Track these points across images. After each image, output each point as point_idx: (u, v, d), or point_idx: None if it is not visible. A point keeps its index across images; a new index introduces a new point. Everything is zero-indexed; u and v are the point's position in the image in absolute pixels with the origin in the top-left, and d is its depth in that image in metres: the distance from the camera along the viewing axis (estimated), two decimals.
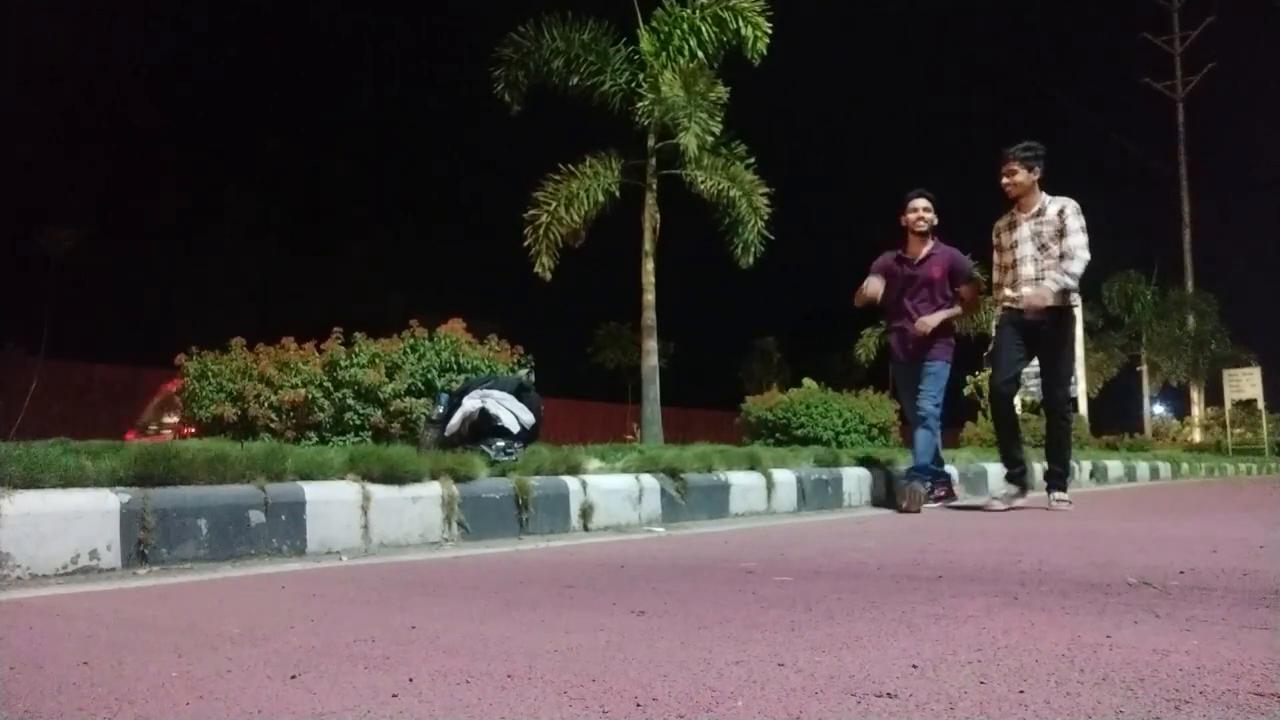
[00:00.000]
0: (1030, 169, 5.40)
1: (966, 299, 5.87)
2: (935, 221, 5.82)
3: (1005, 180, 5.45)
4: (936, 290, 5.77)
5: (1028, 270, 5.39)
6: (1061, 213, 5.33)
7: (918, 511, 5.34)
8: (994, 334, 5.73)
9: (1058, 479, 5.60)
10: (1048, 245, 5.36)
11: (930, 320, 5.73)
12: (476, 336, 6.89)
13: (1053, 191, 5.47)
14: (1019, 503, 5.47)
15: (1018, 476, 5.60)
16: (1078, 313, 5.47)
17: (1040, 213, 5.40)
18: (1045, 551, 3.15)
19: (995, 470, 8.20)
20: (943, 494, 5.98)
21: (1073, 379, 5.83)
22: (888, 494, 6.08)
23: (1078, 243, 5.28)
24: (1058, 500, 5.47)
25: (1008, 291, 5.52)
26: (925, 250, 5.79)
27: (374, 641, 1.68)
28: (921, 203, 5.79)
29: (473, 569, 2.94)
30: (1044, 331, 5.42)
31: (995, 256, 5.68)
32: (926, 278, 5.76)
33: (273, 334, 7.06)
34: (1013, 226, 5.51)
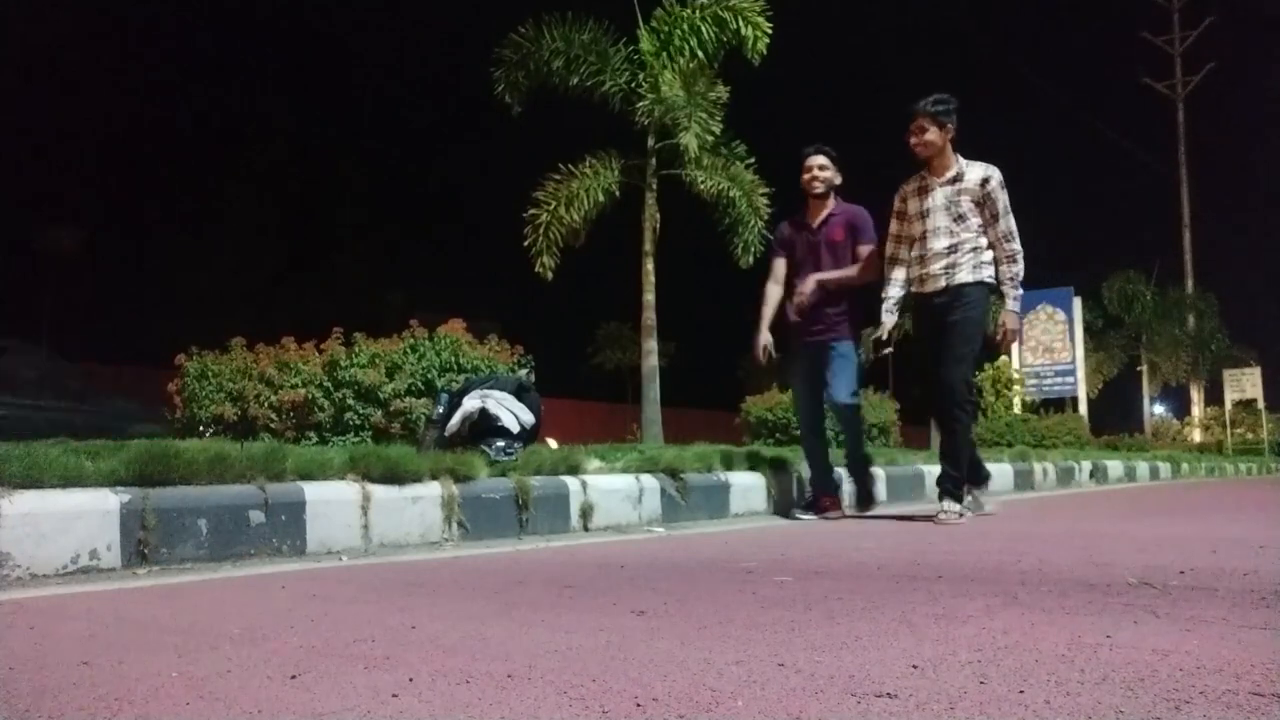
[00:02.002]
0: (942, 126, 4.61)
1: (864, 261, 4.96)
2: (836, 181, 5.06)
3: (914, 140, 4.66)
4: (841, 255, 4.97)
5: (940, 243, 4.63)
6: (985, 183, 4.59)
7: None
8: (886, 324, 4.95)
9: (950, 484, 4.69)
10: (965, 217, 4.60)
11: (808, 283, 4.92)
12: (476, 336, 6.89)
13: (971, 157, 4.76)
14: (959, 517, 4.58)
15: (953, 488, 4.70)
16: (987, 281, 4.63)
17: (957, 178, 4.63)
18: (1045, 551, 3.15)
19: (996, 471, 8.20)
20: (827, 504, 5.09)
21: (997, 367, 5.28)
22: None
23: (1011, 227, 4.59)
24: (946, 512, 4.55)
25: (913, 269, 4.78)
26: (825, 213, 5.04)
27: (374, 641, 1.68)
28: (817, 160, 5.03)
29: (473, 569, 2.94)
30: (943, 307, 4.63)
31: (895, 225, 4.87)
32: (828, 242, 4.99)
33: (273, 334, 7.07)
34: (923, 192, 4.72)
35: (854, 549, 3.35)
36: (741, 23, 10.61)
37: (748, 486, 5.28)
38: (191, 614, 2.07)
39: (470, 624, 1.87)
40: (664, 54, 10.85)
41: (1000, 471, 8.32)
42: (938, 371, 4.59)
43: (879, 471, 6.45)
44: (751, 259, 11.39)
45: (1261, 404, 24.14)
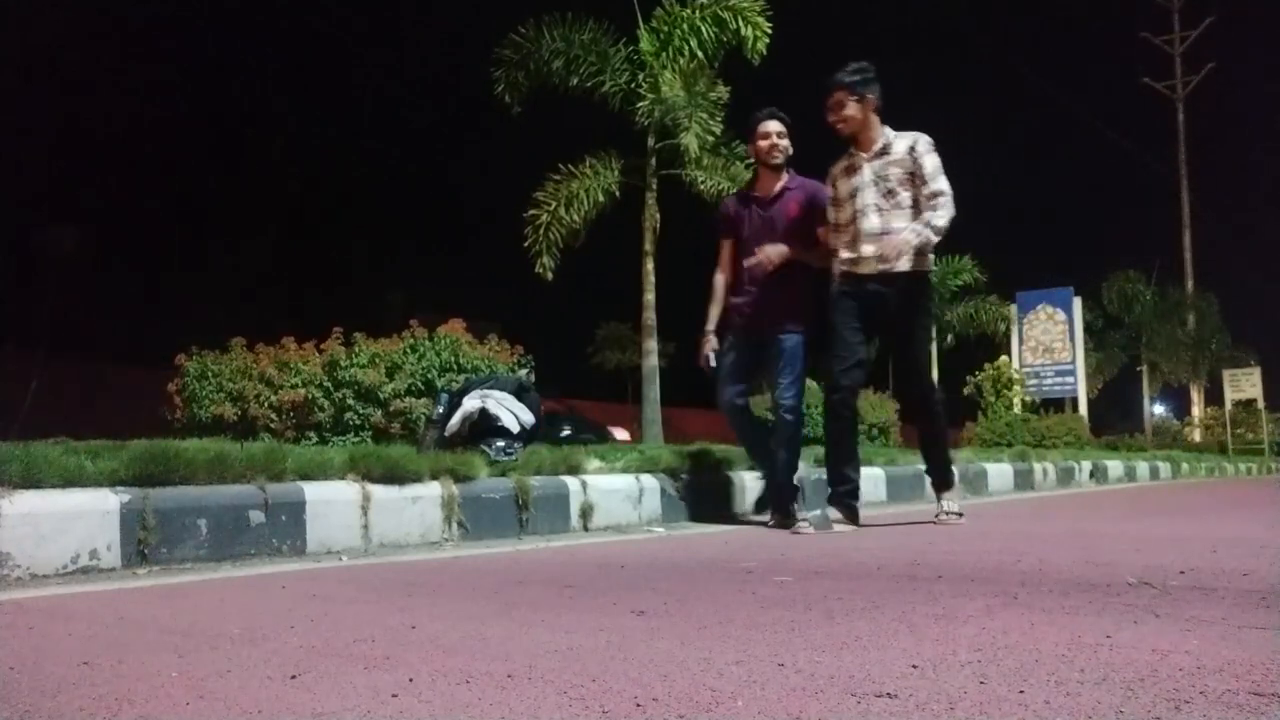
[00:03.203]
0: (861, 98, 4.21)
1: (821, 241, 4.46)
2: (791, 151, 4.55)
3: (833, 118, 4.26)
4: (797, 235, 4.44)
5: (871, 223, 4.20)
6: (913, 150, 4.19)
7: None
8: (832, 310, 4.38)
9: (944, 480, 4.53)
10: (895, 191, 4.19)
11: (773, 251, 4.36)
12: (476, 336, 6.89)
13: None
14: (842, 529, 4.20)
15: (845, 496, 4.37)
16: (932, 278, 4.30)
17: (885, 151, 4.23)
18: (1045, 551, 3.15)
19: (996, 470, 8.21)
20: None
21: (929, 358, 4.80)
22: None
23: (940, 187, 4.14)
24: (948, 513, 4.40)
25: (844, 253, 4.30)
26: (779, 186, 4.51)
27: (374, 641, 1.68)
28: (775, 126, 4.49)
29: (473, 569, 2.94)
30: (891, 303, 4.21)
31: (830, 211, 4.41)
32: (784, 218, 4.46)
33: (273, 334, 7.07)
34: (851, 171, 4.29)
35: (854, 549, 3.35)
36: (741, 23, 10.62)
37: (748, 487, 5.28)
38: (191, 614, 2.07)
39: (470, 624, 1.87)
40: (664, 54, 10.85)
41: (1000, 471, 8.32)
42: (905, 362, 4.42)
43: (879, 472, 6.45)
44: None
45: (1261, 404, 24.15)
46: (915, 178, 4.18)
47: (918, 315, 4.37)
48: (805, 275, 4.46)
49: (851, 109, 4.23)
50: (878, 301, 4.22)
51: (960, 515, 4.44)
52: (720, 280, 4.69)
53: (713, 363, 4.61)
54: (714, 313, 4.67)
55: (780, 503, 4.50)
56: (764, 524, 4.51)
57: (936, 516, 4.42)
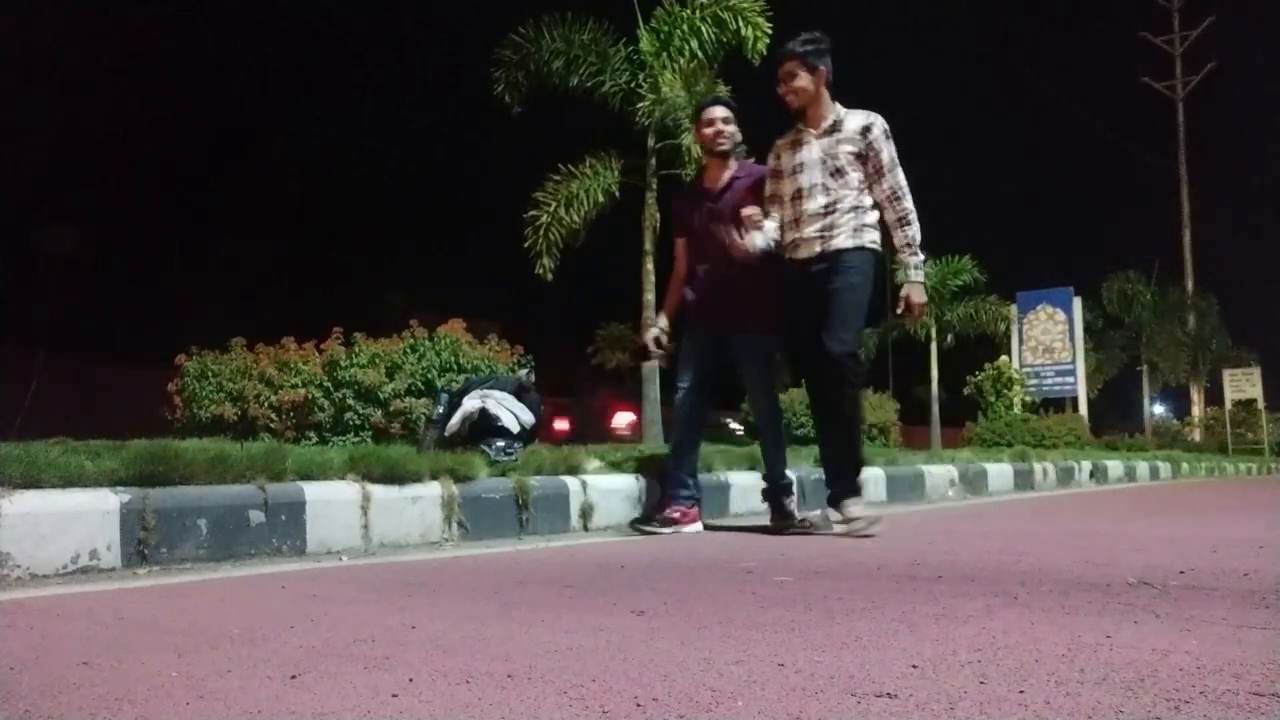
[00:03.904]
0: (814, 69, 3.96)
1: (748, 220, 4.19)
2: (740, 139, 4.34)
3: (783, 89, 4.01)
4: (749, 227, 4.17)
5: (816, 203, 3.93)
6: (867, 131, 3.94)
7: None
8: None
9: (846, 480, 4.01)
10: (843, 171, 3.92)
11: (768, 224, 4.09)
12: (476, 336, 6.89)
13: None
14: (843, 526, 3.93)
15: (784, 492, 4.27)
16: (872, 246, 3.96)
17: (835, 128, 3.98)
18: (1045, 551, 3.15)
19: (996, 470, 8.21)
20: (677, 516, 4.18)
21: (859, 331, 4.01)
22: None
23: (899, 182, 3.94)
24: (850, 515, 3.89)
25: (787, 235, 4.05)
26: (727, 176, 4.27)
27: (374, 641, 1.68)
28: (720, 112, 4.30)
29: (473, 569, 2.94)
30: (820, 276, 3.92)
31: (770, 184, 4.15)
32: (732, 207, 4.19)
33: (273, 334, 7.07)
34: (797, 146, 4.04)
35: (854, 549, 3.35)
36: (742, 23, 10.62)
37: (748, 486, 5.28)
38: (191, 614, 2.07)
39: (470, 624, 1.87)
40: (664, 54, 10.86)
41: (1000, 471, 8.32)
42: (820, 344, 3.85)
43: (879, 472, 6.45)
44: None
45: (1261, 404, 24.15)
46: (865, 159, 3.94)
47: (849, 276, 3.89)
48: (769, 271, 4.08)
49: (803, 80, 3.96)
50: (820, 283, 3.91)
51: (868, 522, 3.88)
52: (676, 280, 4.48)
53: (655, 348, 4.46)
54: (670, 300, 4.49)
55: (783, 510, 4.34)
56: (764, 525, 4.45)
57: (845, 525, 3.88)
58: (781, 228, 4.08)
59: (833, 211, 3.92)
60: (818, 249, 3.94)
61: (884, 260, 4.03)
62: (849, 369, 3.87)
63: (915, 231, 3.97)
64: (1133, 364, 28.80)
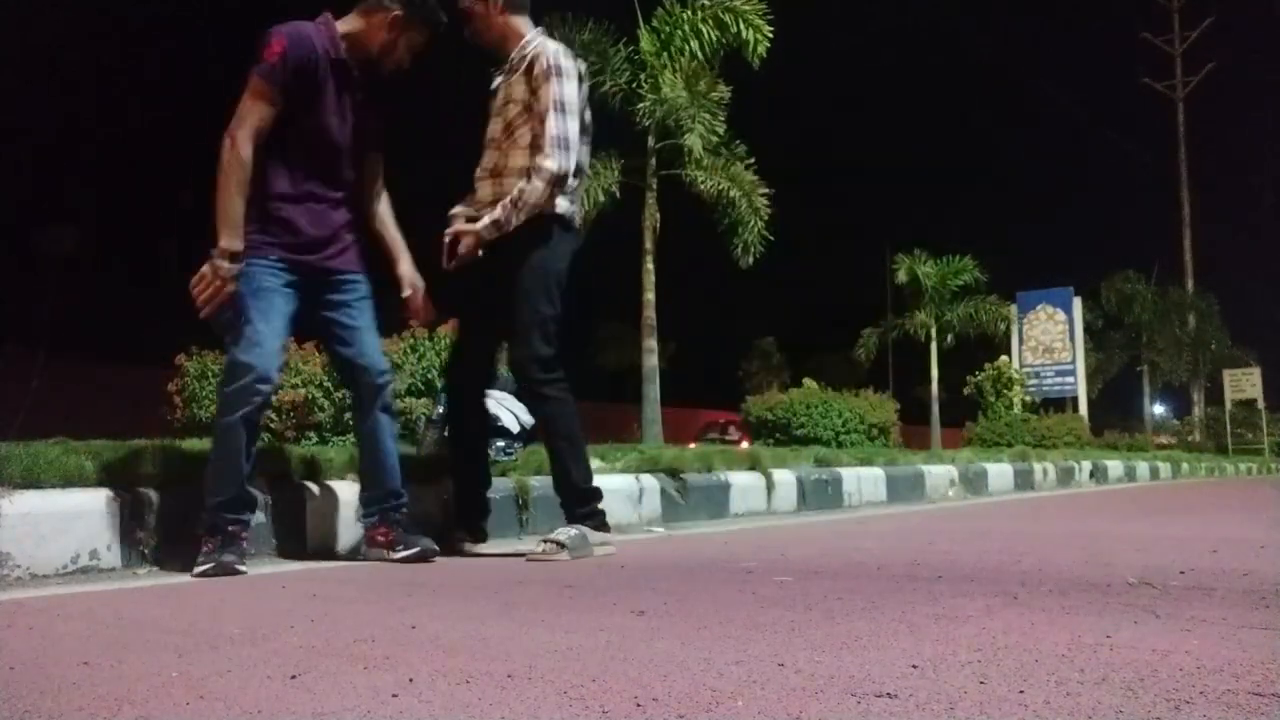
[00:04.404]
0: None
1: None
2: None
3: (467, 31, 3.34)
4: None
5: (484, 164, 3.32)
6: (531, 70, 3.20)
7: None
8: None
9: (578, 501, 3.25)
10: (512, 127, 3.24)
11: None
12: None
13: None
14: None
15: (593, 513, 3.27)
16: (565, 215, 3.30)
17: (514, 68, 3.28)
18: (1046, 552, 3.15)
19: (996, 470, 8.21)
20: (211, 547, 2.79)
21: (545, 329, 3.23)
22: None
23: (558, 134, 3.14)
24: (562, 540, 3.05)
25: (458, 207, 3.41)
26: None
27: (374, 641, 1.68)
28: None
29: (473, 569, 2.94)
30: (501, 255, 3.23)
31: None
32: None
33: None
34: (494, 89, 3.38)
35: (854, 549, 3.35)
36: (743, 25, 10.64)
37: (747, 486, 5.28)
38: (191, 614, 2.07)
39: (470, 624, 1.87)
40: (665, 54, 10.86)
41: (1000, 471, 8.32)
42: (511, 342, 3.29)
43: (879, 473, 6.44)
44: (751, 259, 11.41)
45: (1261, 404, 24.17)
46: (532, 111, 3.21)
47: (525, 261, 3.19)
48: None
49: (479, 20, 3.30)
50: (489, 262, 3.26)
51: (563, 547, 3.06)
52: None
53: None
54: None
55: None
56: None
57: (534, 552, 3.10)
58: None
59: (499, 179, 3.24)
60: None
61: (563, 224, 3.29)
62: (536, 373, 3.25)
63: (537, 188, 3.13)
64: (1133, 364, 28.82)
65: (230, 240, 2.84)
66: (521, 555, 3.19)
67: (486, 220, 3.15)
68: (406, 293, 3.27)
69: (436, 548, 3.11)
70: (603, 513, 3.30)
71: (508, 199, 3.16)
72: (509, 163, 3.25)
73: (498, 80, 3.35)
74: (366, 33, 3.03)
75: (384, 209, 3.30)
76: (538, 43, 3.28)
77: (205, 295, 2.86)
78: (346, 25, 3.04)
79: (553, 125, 3.15)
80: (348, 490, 3.47)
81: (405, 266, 3.29)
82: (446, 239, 3.24)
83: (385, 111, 3.27)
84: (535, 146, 3.17)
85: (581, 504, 3.26)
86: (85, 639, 1.78)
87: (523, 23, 3.33)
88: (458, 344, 3.47)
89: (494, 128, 3.32)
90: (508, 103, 3.27)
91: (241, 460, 2.85)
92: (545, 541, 3.10)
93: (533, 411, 3.46)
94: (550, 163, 3.14)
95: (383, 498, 3.15)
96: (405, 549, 3.07)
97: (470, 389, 3.46)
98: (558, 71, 3.18)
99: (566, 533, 3.13)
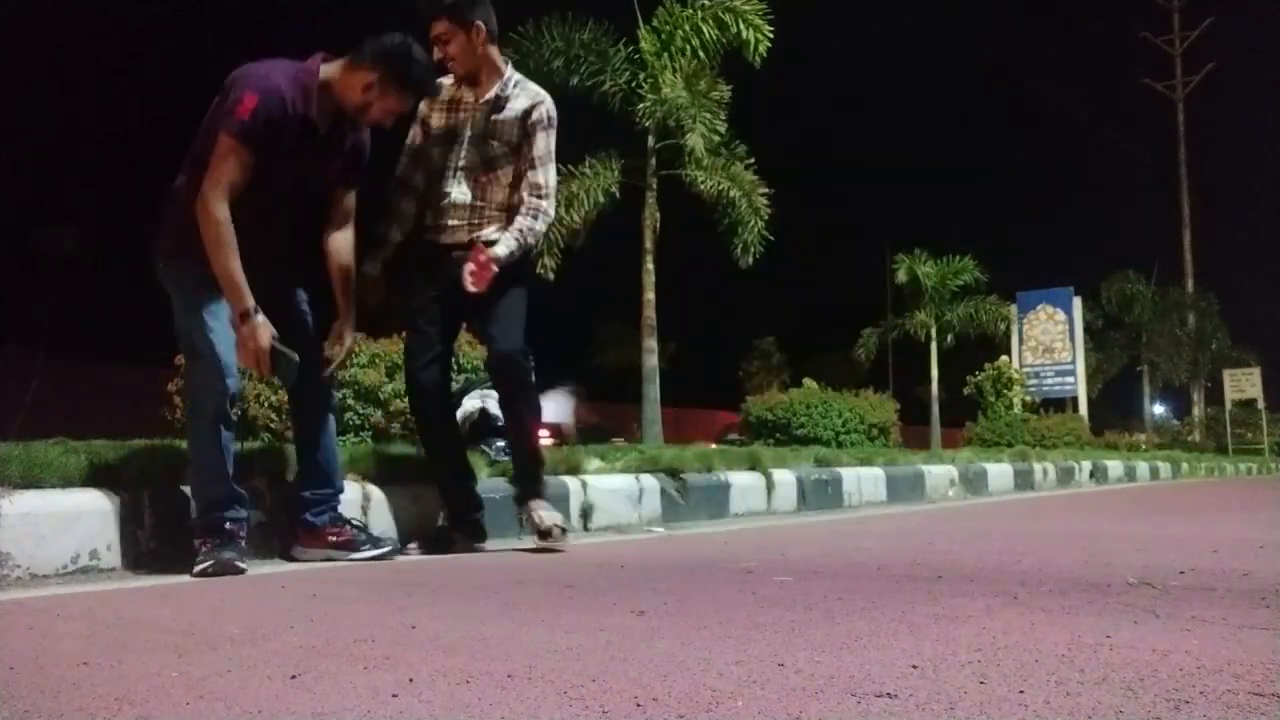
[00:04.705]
0: (468, 27, 3.28)
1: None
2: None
3: (439, 55, 3.27)
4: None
5: (460, 193, 3.36)
6: (529, 115, 3.35)
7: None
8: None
9: (531, 485, 3.48)
10: (496, 162, 3.35)
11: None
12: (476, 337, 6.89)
13: None
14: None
15: (461, 519, 3.48)
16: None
17: (499, 104, 3.35)
18: (1046, 552, 3.15)
19: (996, 470, 8.21)
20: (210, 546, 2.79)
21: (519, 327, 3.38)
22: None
23: (547, 181, 3.37)
24: (547, 526, 3.33)
25: (428, 215, 3.48)
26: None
27: (374, 641, 1.68)
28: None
29: (473, 569, 2.94)
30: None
31: (415, 133, 3.47)
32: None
33: None
34: (455, 108, 3.39)
35: (854, 549, 3.35)
36: (743, 25, 10.64)
37: (747, 486, 5.28)
38: (191, 614, 2.07)
39: (470, 624, 1.87)
40: (665, 54, 10.86)
41: (1000, 471, 8.32)
42: (494, 345, 3.37)
43: (879, 472, 6.44)
44: (751, 259, 11.42)
45: (1261, 404, 24.17)
46: (518, 153, 3.36)
47: (506, 273, 3.26)
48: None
49: (456, 45, 3.29)
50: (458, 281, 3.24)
51: (564, 531, 3.40)
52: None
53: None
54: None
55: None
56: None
57: (541, 533, 3.36)
58: (416, 192, 3.48)
59: (479, 210, 3.38)
60: (465, 238, 3.36)
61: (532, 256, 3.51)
62: (524, 366, 3.37)
63: (539, 228, 3.38)
64: (1133, 364, 28.83)
65: (241, 301, 2.83)
66: (521, 552, 3.20)
67: (503, 252, 3.26)
68: (332, 350, 3.14)
69: (399, 545, 3.21)
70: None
71: (515, 233, 3.31)
72: (490, 198, 3.39)
73: (464, 100, 3.38)
74: (346, 87, 2.94)
75: (338, 241, 3.15)
76: (528, 87, 3.42)
77: (252, 360, 2.88)
78: (330, 71, 2.95)
79: (551, 175, 3.41)
80: (351, 490, 3.47)
81: (344, 323, 3.17)
82: (470, 266, 3.20)
83: (365, 144, 3.18)
84: (532, 186, 3.36)
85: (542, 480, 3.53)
86: (85, 639, 1.78)
87: (498, 54, 3.40)
88: (415, 350, 3.47)
89: (469, 157, 3.37)
90: (490, 139, 3.36)
91: (222, 458, 2.83)
92: (546, 530, 3.33)
93: (513, 398, 3.48)
94: (550, 208, 3.42)
95: (332, 495, 3.14)
96: (373, 548, 3.09)
97: (435, 391, 3.48)
98: (553, 123, 3.41)
99: (554, 514, 3.40)
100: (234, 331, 2.87)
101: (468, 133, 3.36)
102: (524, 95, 3.39)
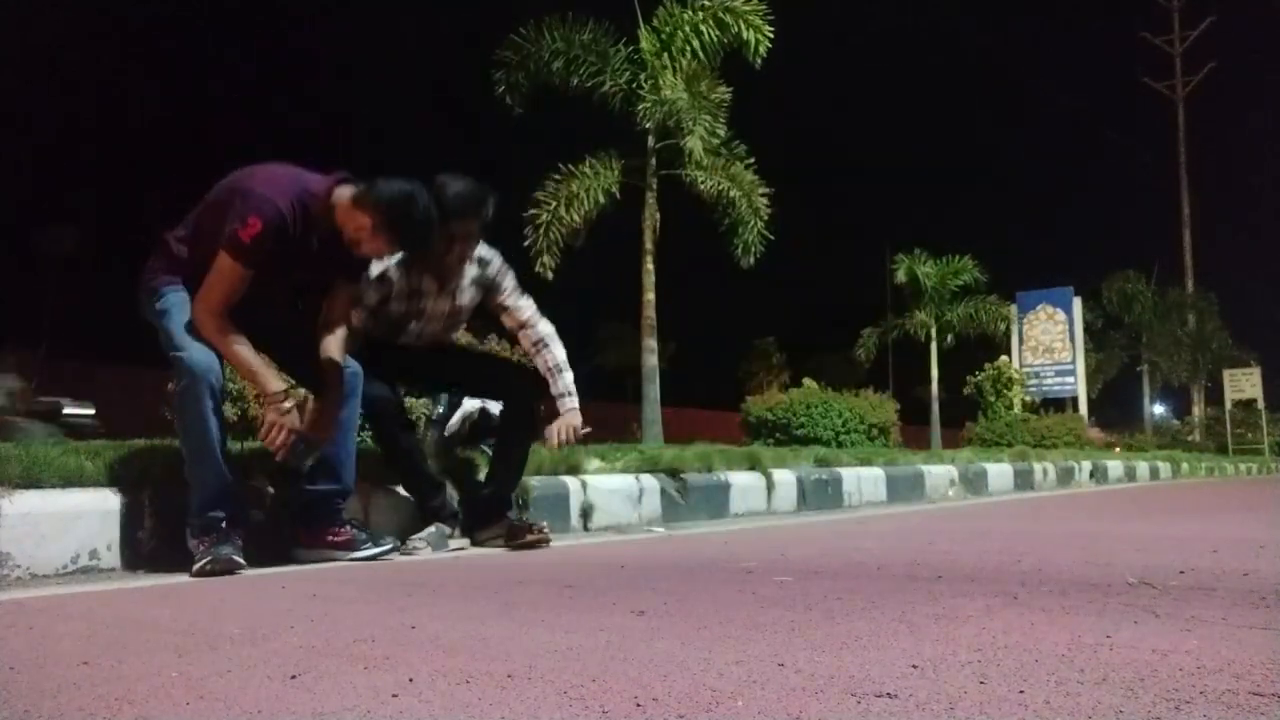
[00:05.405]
0: (487, 222, 3.57)
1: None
2: None
3: (460, 251, 3.52)
4: None
5: (434, 329, 3.69)
6: (482, 279, 3.72)
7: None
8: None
9: (508, 501, 3.76)
10: (459, 310, 3.72)
11: None
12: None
13: None
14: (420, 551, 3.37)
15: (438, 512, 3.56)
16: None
17: (448, 272, 3.60)
18: (1046, 552, 3.15)
19: (996, 470, 8.21)
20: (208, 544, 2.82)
21: None
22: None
23: (530, 309, 3.79)
24: (537, 531, 3.51)
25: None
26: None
27: (374, 641, 1.68)
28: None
29: (473, 569, 2.94)
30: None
31: (386, 269, 3.51)
32: None
33: None
34: (417, 294, 3.59)
35: (854, 549, 3.35)
36: (743, 26, 10.64)
37: (747, 486, 5.28)
38: (191, 614, 2.07)
39: (470, 624, 1.87)
40: (665, 54, 10.86)
41: (1000, 471, 8.33)
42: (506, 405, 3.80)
43: (879, 472, 6.43)
44: (752, 259, 11.42)
45: (1261, 404, 24.18)
46: (490, 298, 3.75)
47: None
48: None
49: (477, 238, 3.58)
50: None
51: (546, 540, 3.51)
52: None
53: None
54: None
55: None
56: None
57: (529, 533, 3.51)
58: (365, 309, 3.54)
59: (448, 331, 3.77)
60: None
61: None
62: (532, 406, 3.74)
63: (559, 350, 3.76)
64: (1133, 364, 28.83)
65: (266, 384, 2.93)
66: (521, 552, 3.20)
67: (574, 404, 3.73)
68: (313, 433, 3.03)
69: (399, 545, 3.25)
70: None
71: (556, 368, 3.73)
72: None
73: (398, 271, 3.50)
74: (346, 219, 2.96)
75: (329, 344, 3.11)
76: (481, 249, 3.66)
77: (279, 440, 2.90)
78: (341, 197, 2.97)
79: (529, 302, 3.81)
80: None
81: (328, 410, 3.06)
82: (562, 437, 3.68)
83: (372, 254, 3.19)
84: (520, 324, 3.75)
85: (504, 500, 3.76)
86: (85, 639, 1.78)
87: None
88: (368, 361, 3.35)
89: (430, 327, 3.65)
90: (450, 316, 3.69)
91: (214, 455, 2.83)
92: (531, 533, 3.47)
93: (519, 425, 3.75)
94: (546, 324, 3.80)
95: (334, 494, 3.15)
96: (373, 547, 3.12)
97: (387, 400, 3.49)
98: (505, 263, 3.78)
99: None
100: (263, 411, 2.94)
101: (443, 308, 3.65)
102: (470, 267, 3.64)
